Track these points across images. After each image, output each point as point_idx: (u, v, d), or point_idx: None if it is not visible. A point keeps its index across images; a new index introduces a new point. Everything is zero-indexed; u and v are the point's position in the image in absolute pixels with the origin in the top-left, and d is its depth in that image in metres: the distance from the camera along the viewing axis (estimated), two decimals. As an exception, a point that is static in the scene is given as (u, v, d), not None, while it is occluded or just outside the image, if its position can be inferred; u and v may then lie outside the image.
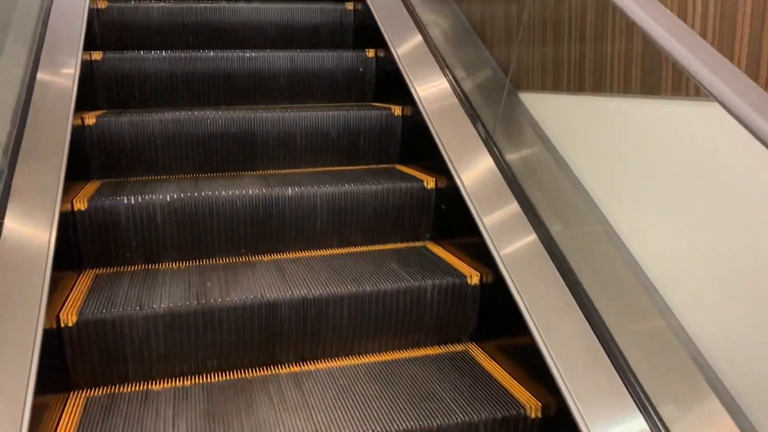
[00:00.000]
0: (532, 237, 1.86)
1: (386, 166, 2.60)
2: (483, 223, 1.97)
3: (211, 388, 1.75)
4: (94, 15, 2.88)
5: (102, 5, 2.94)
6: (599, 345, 1.61)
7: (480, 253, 1.97)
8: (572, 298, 1.72)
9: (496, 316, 1.92)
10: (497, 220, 1.97)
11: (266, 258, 2.16)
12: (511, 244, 1.89)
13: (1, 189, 1.80)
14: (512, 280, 1.80)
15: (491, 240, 1.91)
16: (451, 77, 2.49)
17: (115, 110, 2.40)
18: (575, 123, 1.91)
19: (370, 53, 2.90)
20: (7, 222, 1.73)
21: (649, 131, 1.62)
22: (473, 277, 1.96)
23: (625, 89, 1.69)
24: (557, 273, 1.78)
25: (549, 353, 1.61)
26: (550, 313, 1.70)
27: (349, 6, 3.22)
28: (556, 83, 1.99)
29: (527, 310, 1.72)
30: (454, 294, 1.95)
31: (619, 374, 1.54)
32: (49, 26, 2.45)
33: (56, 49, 2.42)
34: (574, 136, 1.91)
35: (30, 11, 2.45)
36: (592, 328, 1.64)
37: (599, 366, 1.57)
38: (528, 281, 1.79)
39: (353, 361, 1.89)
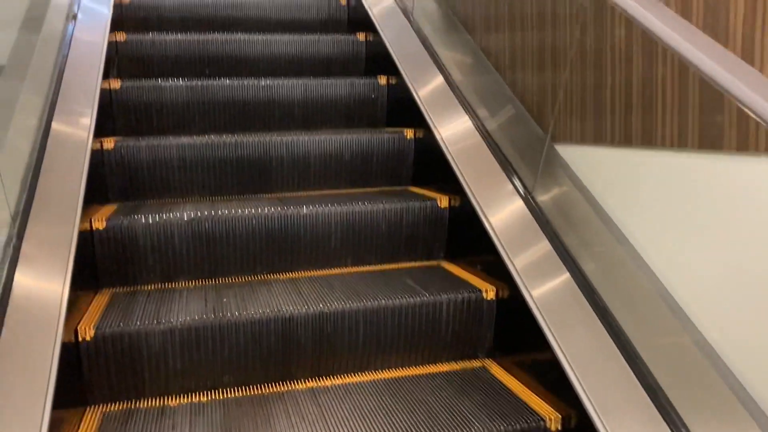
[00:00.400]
0: (548, 249, 1.86)
1: (399, 188, 2.62)
2: (498, 238, 1.97)
3: (227, 404, 1.74)
4: (113, 47, 2.95)
5: (121, 38, 3.02)
6: (621, 356, 1.59)
7: (495, 269, 1.97)
8: (592, 309, 1.70)
9: (513, 331, 1.91)
10: (512, 235, 1.97)
11: (282, 276, 2.17)
12: (527, 257, 1.89)
13: (22, 208, 1.83)
14: (530, 294, 1.79)
15: (506, 254, 1.91)
16: (468, 107, 2.51)
17: (132, 136, 2.44)
18: (616, 176, 1.78)
19: (382, 80, 2.95)
20: (27, 238, 1.75)
21: (713, 192, 1.44)
22: (489, 292, 1.95)
23: (680, 144, 1.51)
24: (576, 286, 1.76)
25: (570, 365, 1.59)
26: (570, 325, 1.68)
27: (361, 37, 3.29)
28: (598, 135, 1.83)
29: (546, 323, 1.71)
30: (470, 309, 1.95)
31: (643, 386, 1.51)
32: (70, 55, 2.52)
33: (76, 77, 2.48)
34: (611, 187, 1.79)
35: (52, 40, 2.52)
36: (615, 342, 1.61)
37: (622, 377, 1.55)
38: (546, 294, 1.78)
39: (370, 377, 1.88)
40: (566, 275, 1.77)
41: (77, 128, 2.25)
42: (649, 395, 1.46)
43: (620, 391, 1.51)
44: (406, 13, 3.17)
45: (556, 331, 1.67)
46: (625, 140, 1.70)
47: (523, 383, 1.81)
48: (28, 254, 1.70)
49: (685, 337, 1.46)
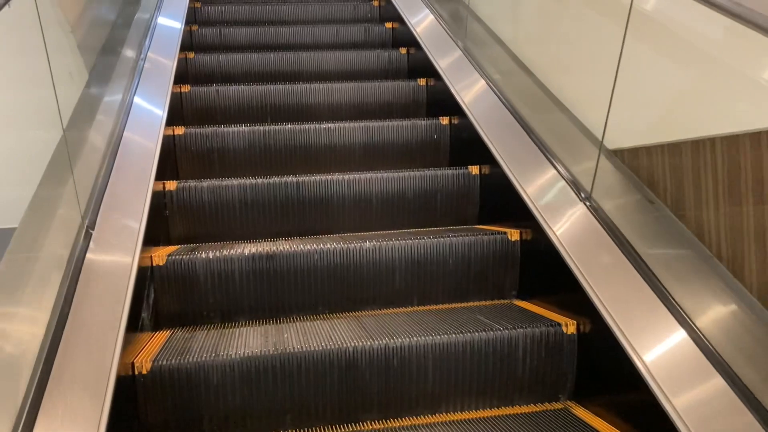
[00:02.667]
0: (639, 281, 1.69)
1: (465, 226, 2.50)
2: (579, 270, 1.82)
3: (288, 446, 1.61)
4: (177, 97, 3.01)
5: (185, 89, 3.08)
6: (733, 393, 1.39)
7: (575, 303, 1.81)
8: (693, 342, 1.51)
9: (599, 370, 1.73)
10: (595, 265, 1.81)
11: (345, 315, 2.06)
12: (610, 285, 1.73)
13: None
14: (618, 327, 1.62)
15: (589, 285, 1.75)
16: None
17: (195, 179, 2.43)
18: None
19: (445, 121, 2.89)
20: (84, 270, 1.71)
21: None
22: (569, 326, 1.79)
23: None
24: (673, 317, 1.58)
25: (674, 411, 1.40)
26: (673, 366, 1.49)
27: (422, 82, 3.26)
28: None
29: (641, 360, 1.52)
30: (548, 344, 1.79)
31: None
32: (134, 104, 2.56)
33: (139, 125, 2.51)
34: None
35: (118, 88, 2.58)
36: (725, 380, 1.42)
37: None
38: (637, 328, 1.60)
39: (441, 419, 1.73)
40: (662, 307, 1.59)
41: (141, 169, 2.26)
42: None
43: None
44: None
45: (657, 374, 1.48)
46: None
47: (613, 426, 1.62)
48: (86, 290, 1.66)
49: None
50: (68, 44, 2.31)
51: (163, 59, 3.04)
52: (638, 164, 1.91)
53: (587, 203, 1.97)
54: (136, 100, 2.60)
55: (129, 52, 2.89)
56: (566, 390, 1.81)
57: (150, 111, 2.63)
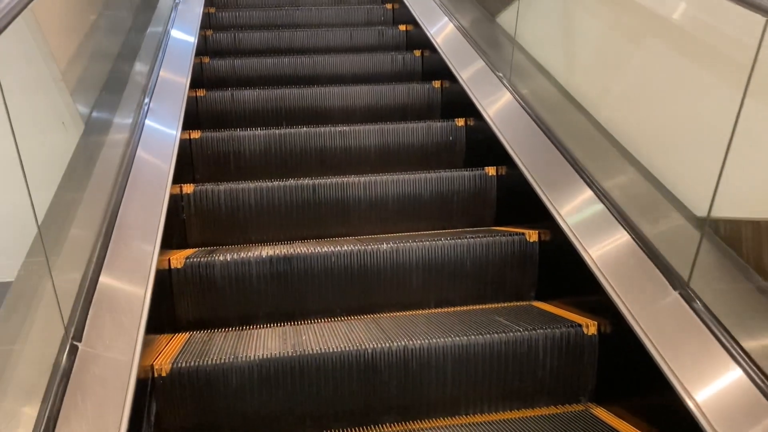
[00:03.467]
0: (655, 271, 1.67)
1: (482, 227, 2.49)
2: (600, 270, 1.80)
3: (307, 447, 1.61)
4: (193, 101, 3.02)
5: (201, 93, 3.09)
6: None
7: (596, 305, 1.79)
8: (719, 345, 1.48)
9: (621, 371, 1.71)
10: (617, 264, 1.79)
11: (363, 317, 2.05)
12: (633, 286, 1.70)
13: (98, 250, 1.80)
14: (641, 328, 1.60)
15: (611, 286, 1.74)
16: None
17: (211, 182, 2.44)
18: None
19: (460, 122, 2.88)
20: (104, 274, 1.71)
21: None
22: (590, 327, 1.77)
23: None
24: (698, 319, 1.55)
25: (700, 411, 1.38)
26: (697, 365, 1.47)
27: (436, 84, 3.26)
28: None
29: (664, 361, 1.50)
30: (568, 345, 1.77)
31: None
32: (150, 108, 2.57)
33: (156, 127, 2.52)
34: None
35: (134, 91, 2.58)
36: (753, 381, 1.39)
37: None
38: (660, 328, 1.58)
39: (460, 421, 1.71)
40: (685, 307, 1.57)
41: (157, 173, 2.26)
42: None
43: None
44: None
45: (681, 374, 1.46)
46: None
47: (636, 427, 1.60)
48: (106, 290, 1.66)
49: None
50: (59, 95, 1.96)
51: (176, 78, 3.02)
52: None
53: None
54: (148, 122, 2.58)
55: (138, 77, 2.76)
56: (587, 391, 1.79)
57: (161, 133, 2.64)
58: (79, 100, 2.11)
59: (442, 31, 3.50)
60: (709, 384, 1.41)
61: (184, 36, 3.36)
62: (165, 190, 2.19)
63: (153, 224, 2.01)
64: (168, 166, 2.30)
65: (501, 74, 2.81)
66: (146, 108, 2.50)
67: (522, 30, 2.78)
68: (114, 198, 1.96)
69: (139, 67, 2.65)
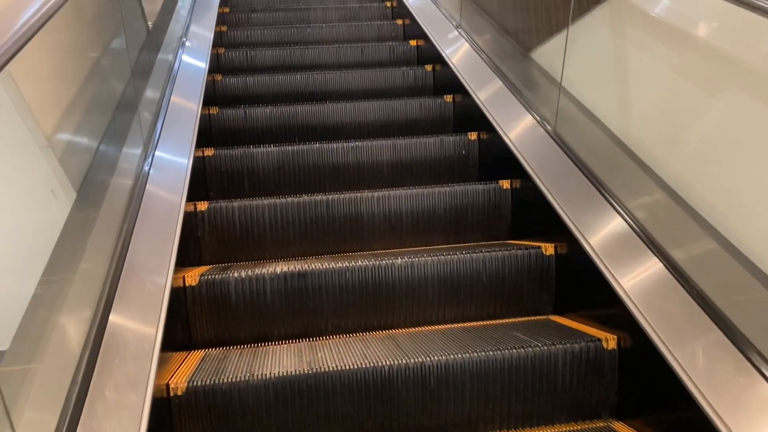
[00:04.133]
0: (679, 290, 1.64)
1: (497, 241, 2.47)
2: (618, 283, 1.77)
3: (324, 467, 1.59)
4: (206, 119, 3.04)
5: (214, 111, 3.10)
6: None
7: (616, 318, 1.76)
8: (745, 358, 1.44)
9: (641, 386, 1.68)
10: (635, 278, 1.76)
11: (378, 334, 2.04)
12: (653, 299, 1.68)
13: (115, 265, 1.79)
14: (662, 341, 1.57)
15: (630, 299, 1.71)
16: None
17: (225, 199, 2.44)
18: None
19: (473, 136, 2.87)
20: (119, 295, 1.71)
21: None
22: (610, 341, 1.75)
23: None
24: (719, 330, 1.51)
25: (727, 429, 1.34)
26: (722, 380, 1.43)
27: (448, 98, 3.25)
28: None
29: (687, 376, 1.47)
30: (588, 360, 1.74)
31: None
32: (165, 125, 2.58)
33: (170, 146, 2.52)
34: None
35: (148, 113, 2.58)
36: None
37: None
38: (683, 342, 1.55)
39: (480, 438, 1.68)
40: (711, 325, 1.53)
41: (171, 191, 2.27)
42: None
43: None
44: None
45: (705, 390, 1.42)
46: None
47: (659, 444, 1.57)
48: (121, 309, 1.66)
49: None
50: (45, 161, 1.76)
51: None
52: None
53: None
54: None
55: (149, 101, 2.65)
56: (608, 407, 1.76)
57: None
58: (78, 147, 1.99)
59: (454, 47, 3.51)
60: (738, 403, 1.38)
61: (196, 60, 3.36)
62: (179, 208, 2.19)
63: (167, 244, 2.01)
64: (182, 185, 2.30)
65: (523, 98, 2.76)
66: (159, 131, 2.50)
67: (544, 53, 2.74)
68: (128, 218, 1.97)
69: (151, 93, 2.64)
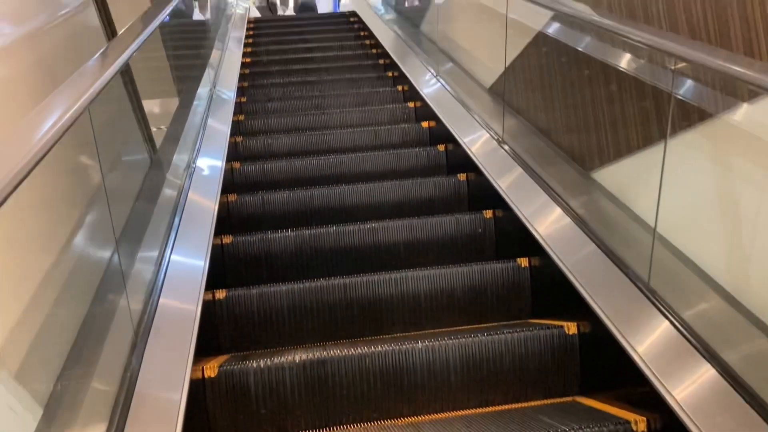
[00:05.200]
0: (708, 368, 1.60)
1: (518, 321, 2.44)
2: (645, 363, 1.73)
3: None
4: (225, 206, 3.09)
5: (232, 198, 3.16)
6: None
7: (644, 399, 1.71)
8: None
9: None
10: (662, 356, 1.72)
11: (400, 421, 1.99)
12: (682, 378, 1.63)
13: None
14: (693, 422, 1.51)
15: (658, 379, 1.66)
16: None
17: (243, 286, 2.45)
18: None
19: (488, 214, 2.89)
20: (137, 393, 1.70)
21: None
22: (639, 423, 1.69)
23: None
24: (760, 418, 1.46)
25: None
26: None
27: (462, 177, 3.29)
28: None
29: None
30: (618, 445, 1.68)
31: None
32: (185, 211, 2.63)
33: (189, 234, 2.56)
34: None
35: (165, 207, 2.62)
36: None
37: None
38: (715, 422, 1.49)
39: None
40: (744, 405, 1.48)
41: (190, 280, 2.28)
42: None
43: None
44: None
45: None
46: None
47: None
48: (138, 405, 1.64)
49: None
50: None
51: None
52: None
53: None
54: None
55: (167, 197, 2.68)
56: (642, 494, 1.68)
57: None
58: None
59: (462, 125, 3.58)
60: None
61: (212, 159, 3.41)
62: (198, 298, 2.19)
63: (188, 330, 2.01)
64: (200, 276, 2.32)
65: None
66: (177, 225, 2.53)
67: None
68: (148, 311, 1.98)
69: (169, 191, 2.69)
